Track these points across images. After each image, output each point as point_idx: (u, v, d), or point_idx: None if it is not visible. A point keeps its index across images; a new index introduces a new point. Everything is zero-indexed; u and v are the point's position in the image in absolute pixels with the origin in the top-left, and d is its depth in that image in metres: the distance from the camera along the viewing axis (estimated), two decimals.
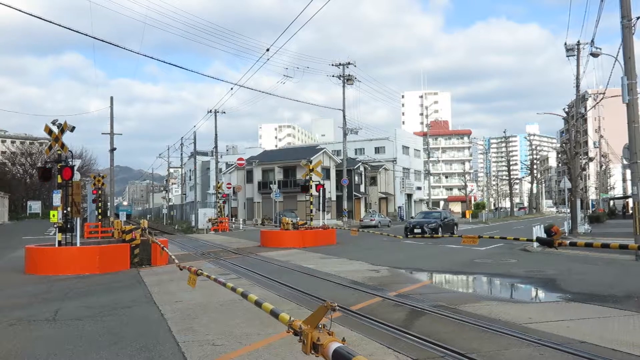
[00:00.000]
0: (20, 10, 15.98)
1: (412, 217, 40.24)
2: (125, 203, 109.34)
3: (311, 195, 25.58)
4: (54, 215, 14.83)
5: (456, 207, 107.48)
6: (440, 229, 27.39)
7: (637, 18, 15.37)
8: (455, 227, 30.77)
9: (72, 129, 15.36)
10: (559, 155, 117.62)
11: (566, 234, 25.34)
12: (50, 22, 17.64)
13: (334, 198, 55.67)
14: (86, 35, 18.95)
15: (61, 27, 18.01)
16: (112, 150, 38.84)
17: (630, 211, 56.70)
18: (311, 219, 25.21)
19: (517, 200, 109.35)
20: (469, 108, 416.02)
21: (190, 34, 57.51)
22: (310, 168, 25.32)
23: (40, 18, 16.77)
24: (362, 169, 64.45)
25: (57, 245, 14.71)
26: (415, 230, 27.22)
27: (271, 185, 51.26)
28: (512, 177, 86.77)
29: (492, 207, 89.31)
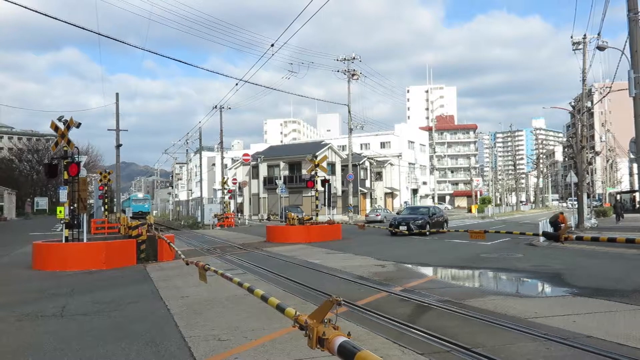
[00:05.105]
0: (23, 6, 16.02)
1: (397, 213, 38.06)
2: (140, 195, 78.27)
3: (317, 190, 25.58)
4: (60, 212, 14.90)
5: (462, 202, 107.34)
6: (428, 225, 25.52)
7: None
8: (446, 223, 28.88)
9: (78, 125, 15.38)
10: (565, 150, 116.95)
11: (573, 229, 25.26)
12: (57, 19, 17.68)
13: (339, 193, 55.69)
14: (91, 31, 18.98)
15: (68, 24, 18.04)
16: (118, 146, 38.92)
17: (638, 205, 56.71)
18: (317, 214, 25.22)
19: (523, 195, 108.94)
20: (471, 102, 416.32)
21: (192, 29, 57.49)
22: (316, 163, 25.29)
23: (46, 15, 16.79)
24: (367, 164, 64.40)
25: (64, 241, 14.79)
26: (401, 227, 25.22)
27: (277, 181, 51.28)
28: (518, 171, 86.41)
29: (499, 202, 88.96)
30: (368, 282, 10.88)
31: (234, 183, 52.56)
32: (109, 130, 40.10)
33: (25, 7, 16.08)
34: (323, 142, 63.86)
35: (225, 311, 8.05)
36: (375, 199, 66.59)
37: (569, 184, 32.88)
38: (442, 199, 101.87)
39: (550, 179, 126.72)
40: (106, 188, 33.20)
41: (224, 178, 49.59)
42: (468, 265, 14.04)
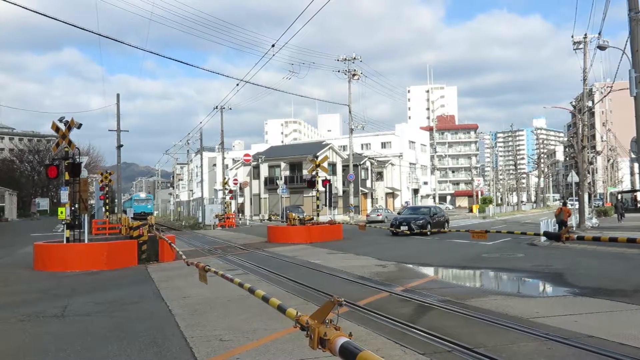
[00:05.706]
0: (23, 7, 16.03)
1: (398, 213, 37.97)
2: (142, 195, 74.62)
3: (318, 190, 25.57)
4: (62, 212, 14.92)
5: (463, 202, 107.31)
6: (429, 225, 25.54)
7: None
8: (447, 223, 28.85)
9: (79, 126, 15.42)
10: (566, 149, 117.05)
11: (574, 228, 25.24)
12: (57, 19, 17.70)
13: (340, 193, 55.68)
14: (92, 32, 19.01)
15: (68, 24, 18.05)
16: (119, 147, 38.93)
17: (639, 204, 56.67)
18: (318, 215, 25.22)
19: (524, 195, 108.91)
20: (472, 102, 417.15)
21: (192, 29, 57.55)
22: (317, 164, 25.28)
23: (46, 15, 16.81)
24: (368, 164, 64.38)
25: (65, 242, 14.80)
26: (402, 227, 25.12)
27: (278, 181, 51.25)
28: (519, 171, 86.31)
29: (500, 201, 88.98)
30: (369, 282, 10.88)
31: (235, 183, 52.54)
32: (109, 131, 40.14)
33: (25, 8, 16.10)
34: (324, 142, 63.84)
35: (226, 312, 8.06)
36: (376, 199, 66.57)
37: (570, 183, 32.86)
38: (443, 198, 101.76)
39: (551, 179, 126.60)
40: (107, 188, 33.20)
41: (224, 178, 49.60)
42: (469, 265, 14.04)
